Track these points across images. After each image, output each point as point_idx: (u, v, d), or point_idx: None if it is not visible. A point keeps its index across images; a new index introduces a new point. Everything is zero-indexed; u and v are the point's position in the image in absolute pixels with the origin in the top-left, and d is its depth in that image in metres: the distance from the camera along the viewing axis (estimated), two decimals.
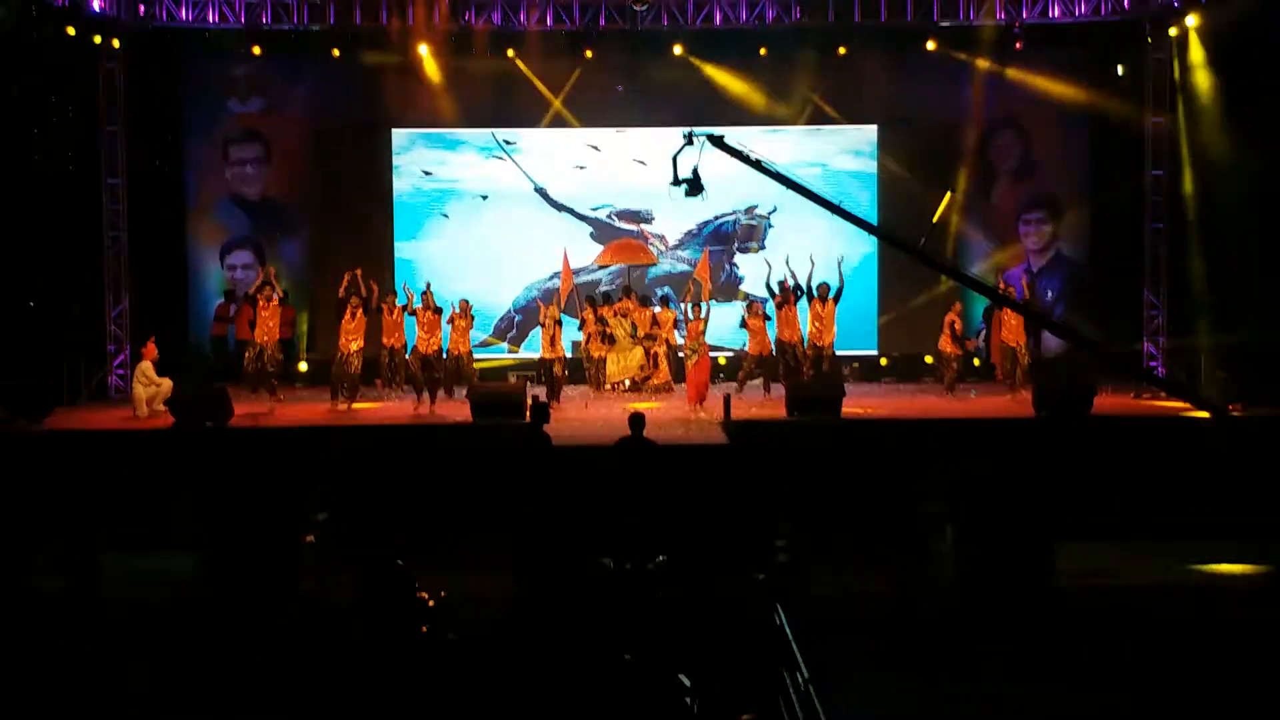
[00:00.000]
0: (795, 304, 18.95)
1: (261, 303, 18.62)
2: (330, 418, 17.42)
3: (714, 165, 22.16)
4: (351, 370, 18.21)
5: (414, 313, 18.52)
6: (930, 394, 19.45)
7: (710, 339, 19.02)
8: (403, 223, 22.48)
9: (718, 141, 12.51)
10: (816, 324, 18.84)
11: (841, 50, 21.02)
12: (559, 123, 22.34)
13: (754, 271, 22.43)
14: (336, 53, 20.94)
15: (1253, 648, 9.93)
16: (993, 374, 20.15)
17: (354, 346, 18.28)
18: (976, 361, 21.18)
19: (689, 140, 12.64)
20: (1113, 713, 9.23)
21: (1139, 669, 9.95)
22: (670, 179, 13.02)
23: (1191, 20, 19.10)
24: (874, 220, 21.96)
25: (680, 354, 20.21)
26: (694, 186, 12.87)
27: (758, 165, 13.44)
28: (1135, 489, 15.02)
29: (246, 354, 18.68)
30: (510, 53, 21.14)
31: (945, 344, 19.22)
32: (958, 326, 19.12)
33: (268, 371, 18.60)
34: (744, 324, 19.52)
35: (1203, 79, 19.36)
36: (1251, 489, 14.68)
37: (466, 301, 19.05)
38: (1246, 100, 18.27)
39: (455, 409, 17.46)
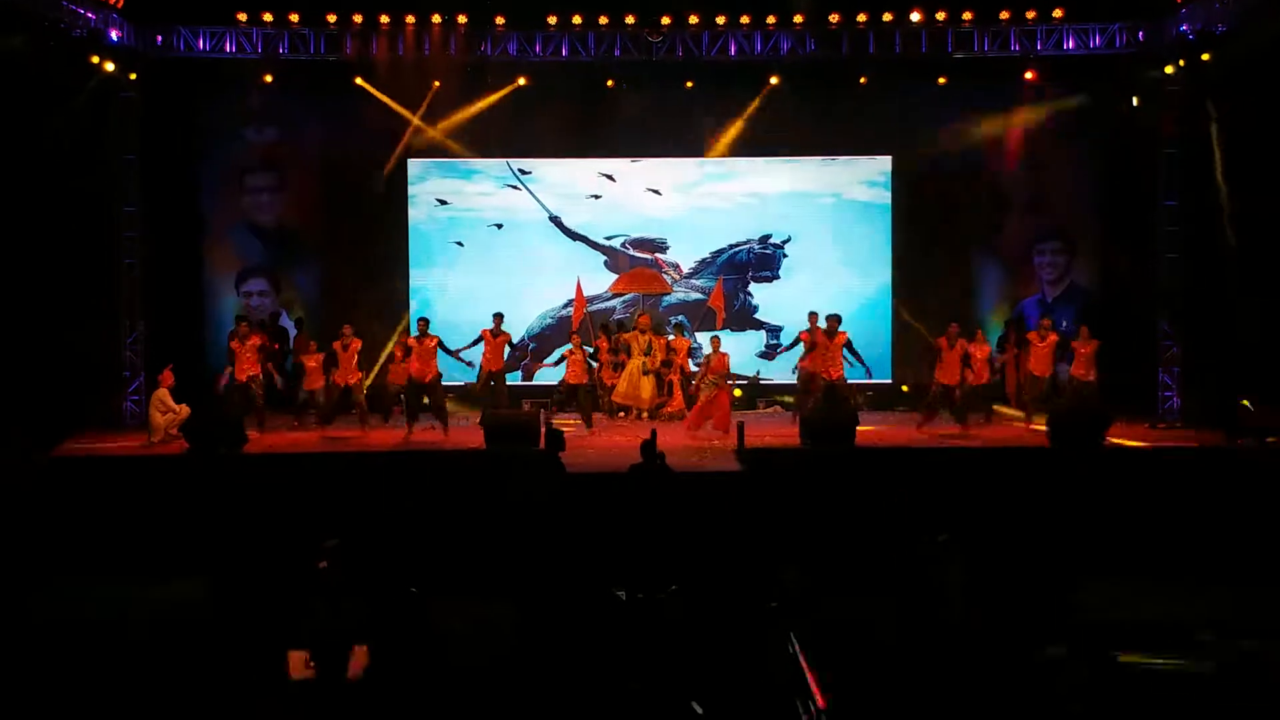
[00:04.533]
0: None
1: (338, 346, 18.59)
2: (343, 445, 17.37)
3: (725, 194, 22.40)
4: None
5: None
6: (944, 422, 19.24)
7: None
8: (417, 251, 22.52)
9: None
10: (824, 357, 18.66)
11: (863, 80, 20.95)
12: (573, 152, 22.37)
13: (768, 299, 22.45)
14: (359, 80, 20.93)
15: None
16: (1007, 405, 20.05)
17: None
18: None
19: None
20: None
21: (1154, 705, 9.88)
22: None
23: (1206, 55, 19.06)
24: (888, 250, 22.08)
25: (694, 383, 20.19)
26: None
27: None
28: (1148, 521, 14.94)
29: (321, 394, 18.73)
30: (522, 81, 21.12)
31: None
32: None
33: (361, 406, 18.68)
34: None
35: (1216, 112, 19.40)
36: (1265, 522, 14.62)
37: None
38: (1258, 133, 18.33)
39: (469, 435, 17.37)
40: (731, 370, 19.06)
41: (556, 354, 20.18)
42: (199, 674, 11.01)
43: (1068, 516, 13.97)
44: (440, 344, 18.19)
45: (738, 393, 20.84)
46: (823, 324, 18.41)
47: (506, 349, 19.32)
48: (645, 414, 19.83)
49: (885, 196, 22.44)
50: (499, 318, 19.04)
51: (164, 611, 13.63)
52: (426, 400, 18.24)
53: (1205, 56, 19.00)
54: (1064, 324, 20.22)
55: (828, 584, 12.67)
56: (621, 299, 22.46)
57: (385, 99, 21.36)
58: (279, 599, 12.60)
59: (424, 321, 18.44)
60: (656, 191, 22.49)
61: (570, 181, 22.64)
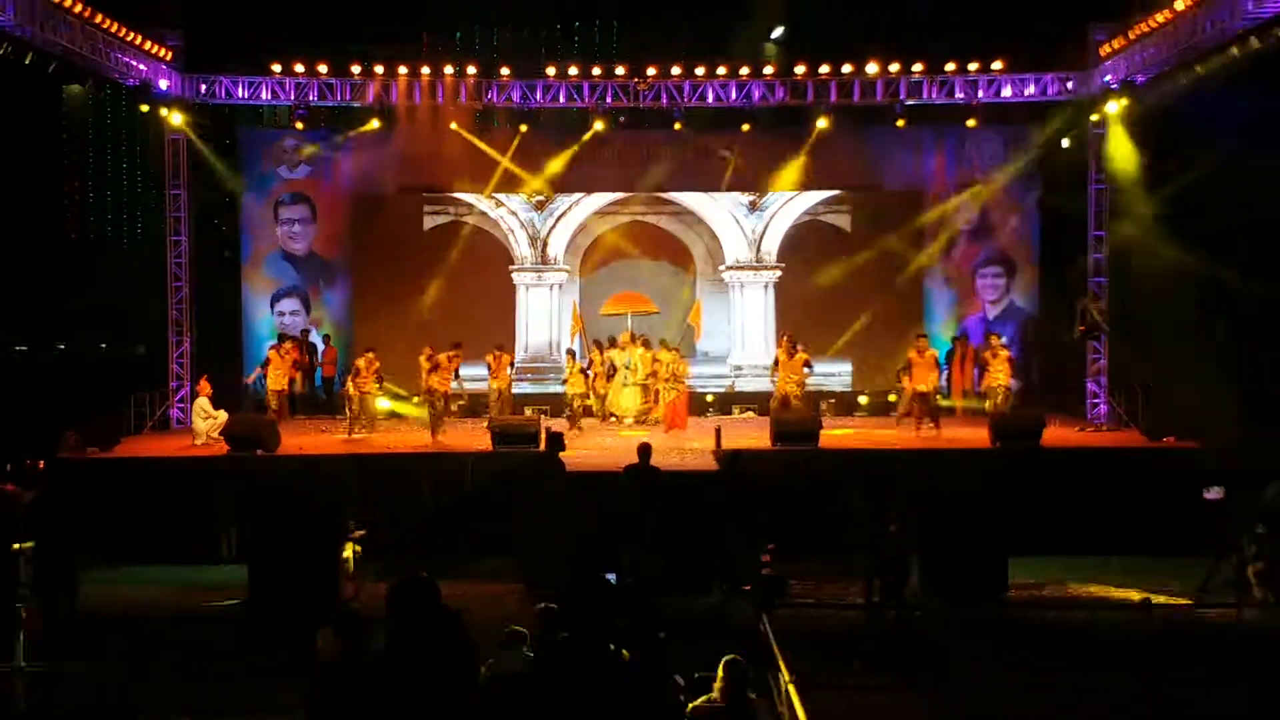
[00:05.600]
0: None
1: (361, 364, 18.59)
2: (367, 447, 17.33)
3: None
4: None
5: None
6: (898, 427, 19.25)
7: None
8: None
9: None
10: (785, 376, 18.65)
11: (822, 123, 20.87)
12: (570, 188, 22.37)
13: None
14: (374, 125, 20.95)
15: (1184, 656, 9.89)
16: (953, 411, 20.12)
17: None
18: (941, 399, 21.05)
19: None
20: (1061, 709, 9.21)
21: (1082, 670, 9.94)
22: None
23: (1125, 101, 19.23)
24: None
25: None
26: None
27: None
28: (1079, 510, 15.08)
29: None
30: (524, 128, 21.10)
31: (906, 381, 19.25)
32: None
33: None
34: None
35: (1131, 152, 19.61)
36: (1178, 513, 14.77)
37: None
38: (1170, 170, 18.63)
39: (478, 438, 17.32)
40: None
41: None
42: (238, 652, 11.04)
43: (1007, 503, 14.05)
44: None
45: (710, 397, 21.07)
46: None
47: (509, 369, 19.68)
48: (631, 420, 19.89)
49: (847, 222, 22.49)
50: (499, 348, 19.44)
51: (208, 594, 13.69)
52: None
53: (1125, 102, 19.14)
54: (1004, 339, 20.23)
55: (796, 567, 12.73)
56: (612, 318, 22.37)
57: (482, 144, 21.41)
58: (310, 582, 12.63)
59: (458, 345, 18.63)
60: (644, 220, 22.52)
61: (569, 213, 22.61)
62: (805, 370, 18.38)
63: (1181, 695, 8.98)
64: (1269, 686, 9.49)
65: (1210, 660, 10.15)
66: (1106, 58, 19.42)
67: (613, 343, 20.76)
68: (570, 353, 20.29)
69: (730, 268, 22.70)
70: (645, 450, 13.15)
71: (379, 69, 20.16)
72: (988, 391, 18.89)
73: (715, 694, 6.32)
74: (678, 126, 20.90)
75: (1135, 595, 12.80)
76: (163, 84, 19.55)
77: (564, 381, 19.66)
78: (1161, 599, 12.37)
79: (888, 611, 12.76)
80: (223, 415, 17.49)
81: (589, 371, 19.87)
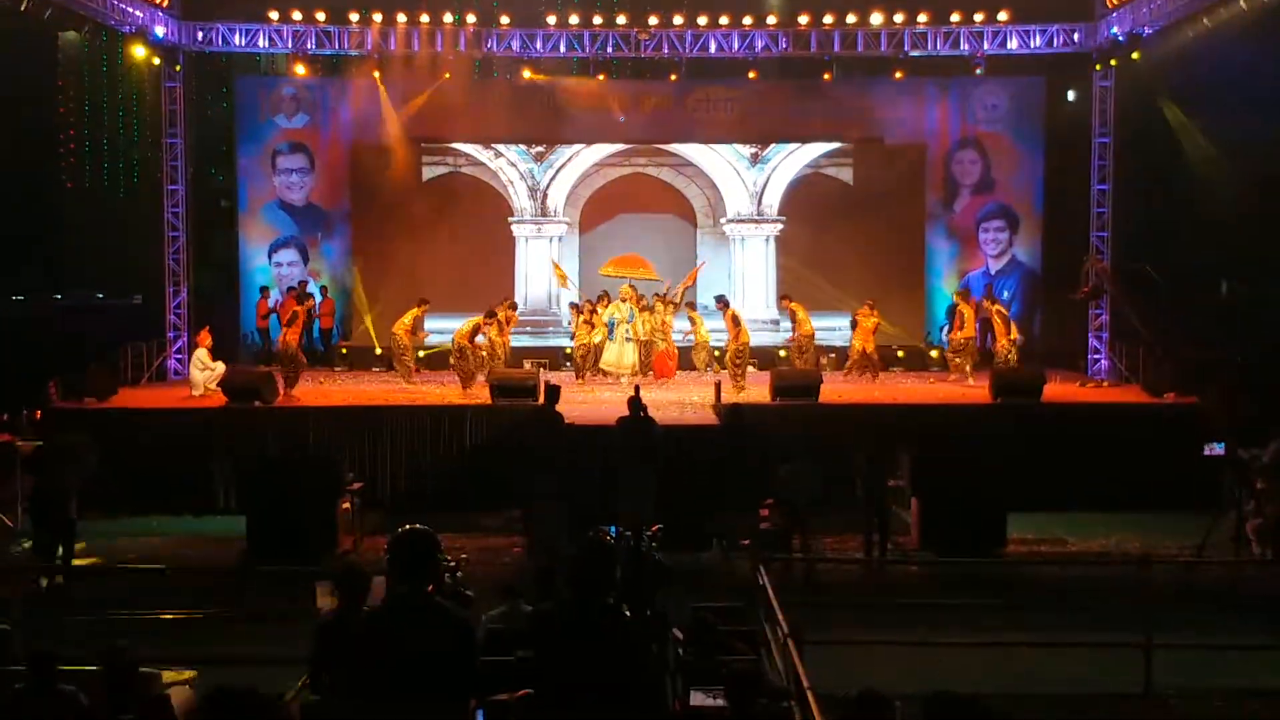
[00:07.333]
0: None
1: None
2: (367, 398, 17.28)
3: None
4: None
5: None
6: (900, 381, 19.22)
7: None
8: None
9: None
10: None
11: (826, 76, 20.82)
12: (570, 139, 22.20)
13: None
14: (375, 74, 20.80)
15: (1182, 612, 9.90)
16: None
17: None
18: (935, 353, 21.04)
19: None
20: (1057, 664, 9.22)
21: (1079, 626, 9.96)
22: None
23: (1135, 54, 19.08)
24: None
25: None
26: None
27: None
28: (1079, 466, 15.06)
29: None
30: (528, 74, 20.96)
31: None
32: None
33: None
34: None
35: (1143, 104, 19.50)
36: (1179, 469, 14.74)
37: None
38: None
39: (476, 391, 17.27)
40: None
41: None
42: (237, 603, 11.04)
43: (1007, 459, 14.06)
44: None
45: (717, 352, 21.02)
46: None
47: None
48: (627, 377, 19.80)
49: (849, 175, 22.35)
50: (513, 306, 19.49)
51: (206, 545, 13.71)
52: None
53: (1135, 55, 19.00)
54: (1005, 294, 20.17)
55: (795, 521, 12.71)
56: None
57: None
58: (308, 534, 12.63)
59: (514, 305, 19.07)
60: (645, 173, 22.36)
61: (570, 164, 22.44)
62: (735, 327, 18.21)
63: (1178, 651, 9.00)
64: (1265, 643, 9.52)
65: (1208, 616, 10.18)
66: (1113, 9, 19.26)
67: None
68: (574, 305, 20.18)
69: (731, 221, 22.59)
70: (634, 401, 13.14)
71: (377, 16, 19.98)
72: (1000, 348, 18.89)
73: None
74: (673, 78, 20.73)
75: (1134, 551, 12.89)
76: (159, 31, 19.36)
77: (572, 334, 19.65)
78: (1160, 555, 12.42)
79: (885, 565, 12.83)
80: (221, 366, 17.44)
81: (590, 322, 19.82)
